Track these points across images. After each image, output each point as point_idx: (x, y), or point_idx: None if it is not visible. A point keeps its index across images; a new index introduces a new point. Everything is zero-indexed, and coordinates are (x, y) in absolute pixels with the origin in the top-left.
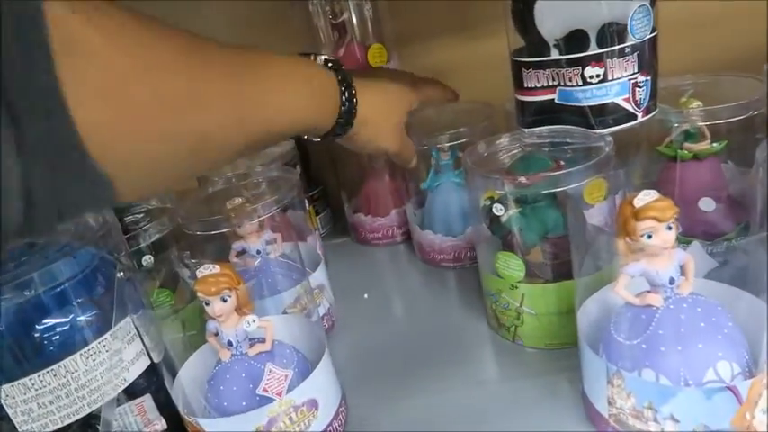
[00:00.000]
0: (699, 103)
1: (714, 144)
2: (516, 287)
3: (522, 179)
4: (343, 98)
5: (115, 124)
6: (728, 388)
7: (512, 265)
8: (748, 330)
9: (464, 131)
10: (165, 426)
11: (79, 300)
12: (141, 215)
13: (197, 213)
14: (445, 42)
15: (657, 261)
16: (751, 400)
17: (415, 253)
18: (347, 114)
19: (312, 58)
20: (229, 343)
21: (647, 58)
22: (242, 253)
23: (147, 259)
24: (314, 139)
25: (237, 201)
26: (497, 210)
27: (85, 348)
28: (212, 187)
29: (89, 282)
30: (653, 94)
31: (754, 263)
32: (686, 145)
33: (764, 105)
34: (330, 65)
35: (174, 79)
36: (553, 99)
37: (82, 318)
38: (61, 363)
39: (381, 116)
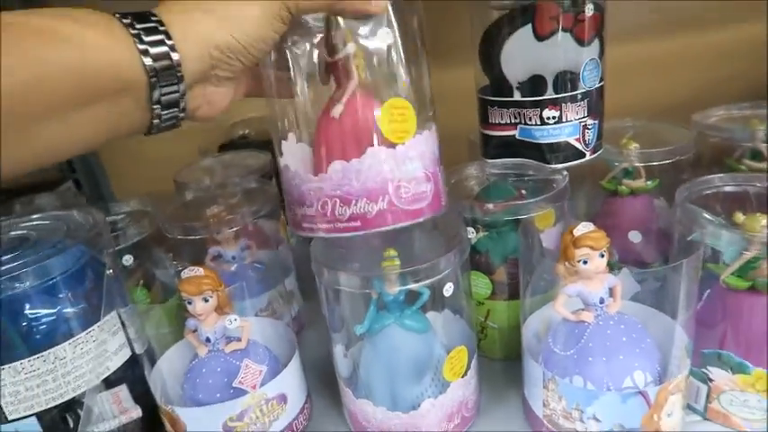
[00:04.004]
0: (636, 144)
1: (648, 182)
2: (483, 303)
3: (491, 206)
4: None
5: None
6: (640, 393)
7: (480, 284)
8: (661, 345)
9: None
10: (141, 413)
11: (69, 293)
12: (122, 216)
13: (176, 218)
14: None
15: (591, 283)
16: (658, 404)
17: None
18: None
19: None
20: (207, 340)
21: (596, 103)
22: (217, 257)
23: (128, 259)
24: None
25: (216, 209)
26: (470, 233)
27: (75, 338)
28: (190, 194)
29: (79, 277)
30: (599, 136)
31: (669, 288)
32: (625, 181)
33: (691, 151)
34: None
35: None
36: (514, 135)
37: (70, 310)
38: (51, 350)
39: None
